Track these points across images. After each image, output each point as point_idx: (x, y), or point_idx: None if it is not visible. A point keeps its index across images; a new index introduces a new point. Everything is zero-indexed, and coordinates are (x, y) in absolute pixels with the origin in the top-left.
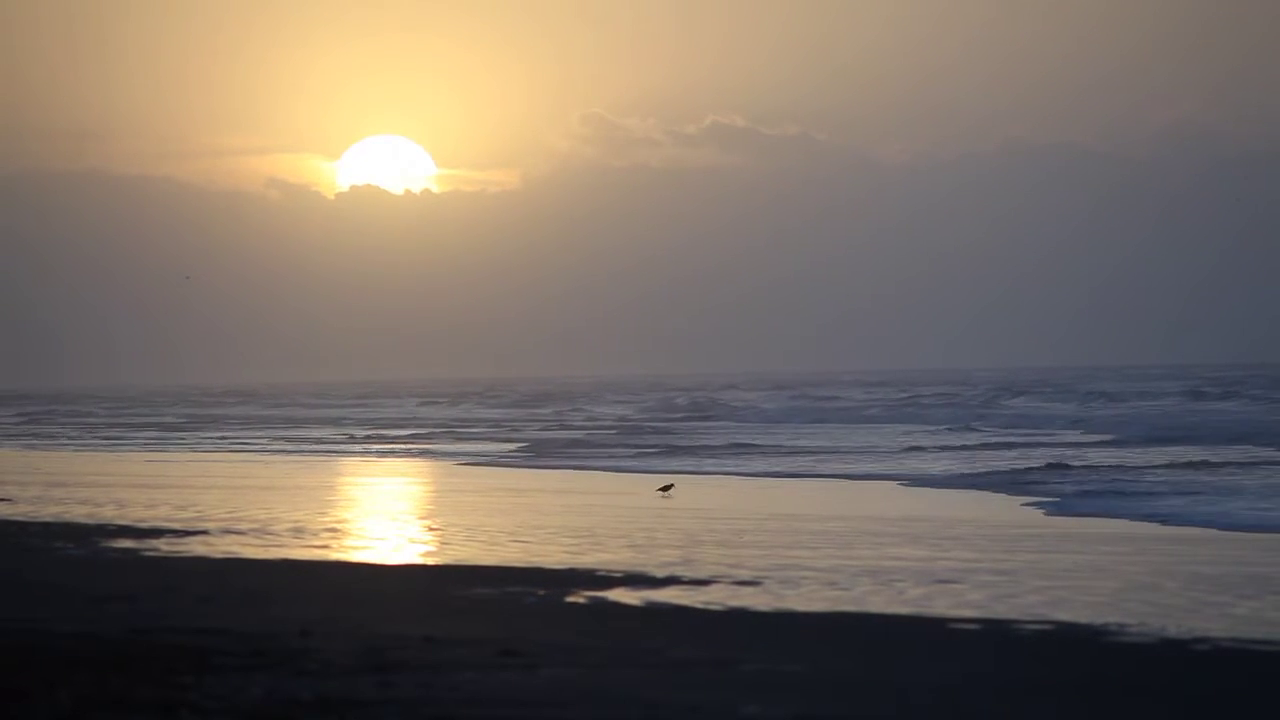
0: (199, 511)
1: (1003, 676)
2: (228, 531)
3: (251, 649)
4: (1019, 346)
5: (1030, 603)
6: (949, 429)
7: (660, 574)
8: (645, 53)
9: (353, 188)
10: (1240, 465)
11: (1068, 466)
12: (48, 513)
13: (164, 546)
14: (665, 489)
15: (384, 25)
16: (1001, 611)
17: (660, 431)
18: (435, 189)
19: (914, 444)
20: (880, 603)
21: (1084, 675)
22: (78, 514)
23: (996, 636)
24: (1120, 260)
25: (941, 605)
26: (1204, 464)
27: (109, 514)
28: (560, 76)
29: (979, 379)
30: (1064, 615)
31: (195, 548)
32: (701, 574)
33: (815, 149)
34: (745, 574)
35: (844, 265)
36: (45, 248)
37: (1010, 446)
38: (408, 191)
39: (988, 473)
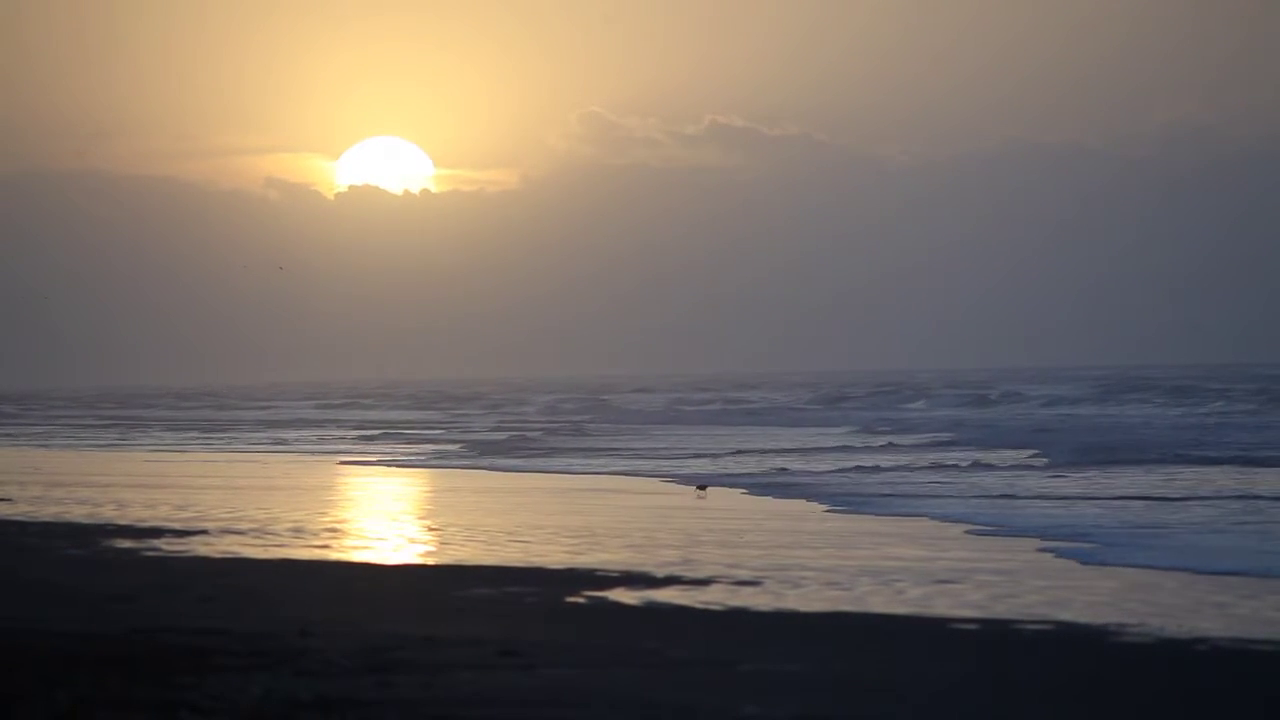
0: (199, 511)
1: (1003, 676)
2: (228, 531)
3: (251, 649)
4: (1016, 346)
5: (1030, 603)
6: (821, 431)
7: (660, 574)
8: (645, 52)
9: (352, 188)
10: (995, 469)
11: (857, 469)
12: (48, 513)
13: (164, 546)
14: (701, 490)
15: (383, 26)
16: (1001, 611)
17: (548, 432)
18: (434, 189)
19: (743, 447)
20: (880, 603)
21: (1084, 675)
22: (78, 514)
23: (996, 636)
24: (1119, 259)
25: (941, 605)
26: (985, 466)
27: (109, 514)
28: (559, 76)
29: (942, 380)
30: (1064, 615)
31: (195, 548)
32: (701, 574)
33: (816, 149)
34: (745, 574)
35: (844, 265)
36: (45, 247)
37: (845, 449)
38: (406, 192)
39: (761, 472)
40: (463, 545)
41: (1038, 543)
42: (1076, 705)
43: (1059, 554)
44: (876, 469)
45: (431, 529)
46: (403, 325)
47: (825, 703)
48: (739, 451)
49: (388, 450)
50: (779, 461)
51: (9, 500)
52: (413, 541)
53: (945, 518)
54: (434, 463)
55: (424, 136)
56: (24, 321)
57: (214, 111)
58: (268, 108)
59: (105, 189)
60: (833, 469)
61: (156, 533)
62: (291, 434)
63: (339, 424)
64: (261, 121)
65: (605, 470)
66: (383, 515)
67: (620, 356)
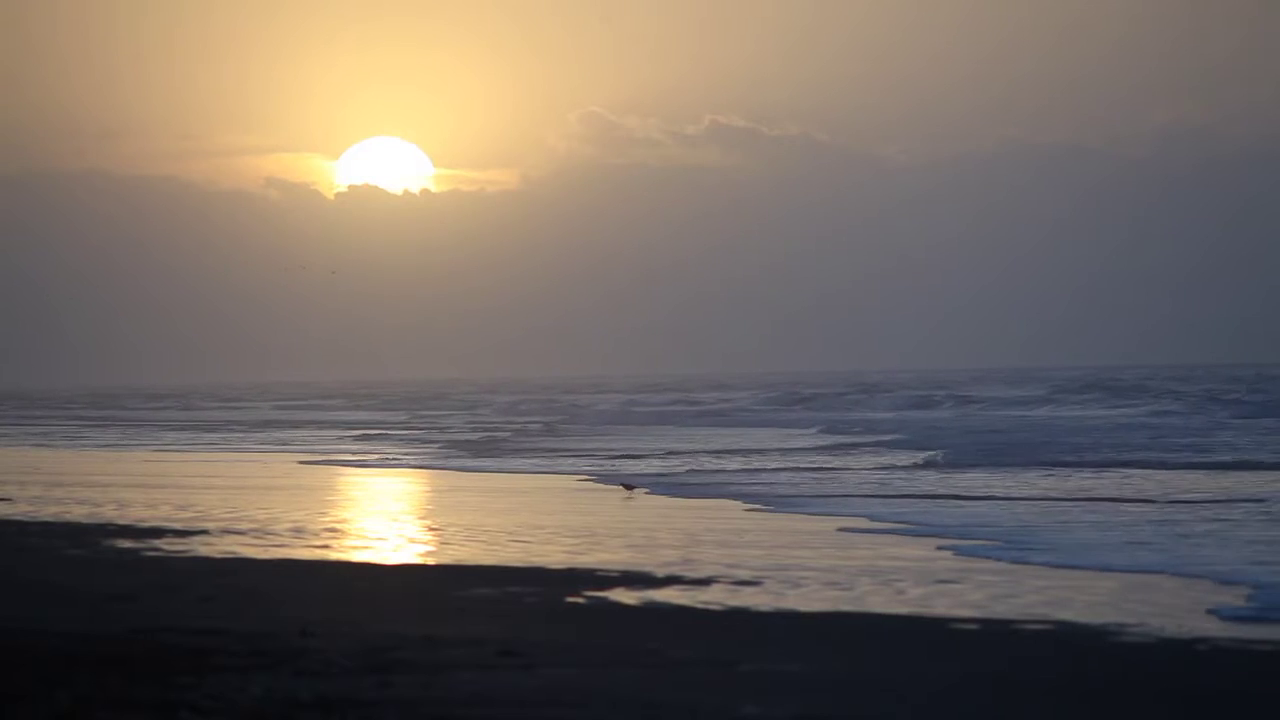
0: (199, 511)
1: (1003, 676)
2: (228, 531)
3: (251, 649)
4: (1013, 345)
5: (1030, 603)
6: (768, 432)
7: (660, 574)
8: (645, 52)
9: (351, 187)
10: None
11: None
12: (48, 513)
13: (164, 546)
14: (629, 490)
15: (383, 28)
16: (1001, 611)
17: (518, 433)
18: (434, 189)
19: (673, 449)
20: (880, 603)
21: (1084, 675)
22: (78, 514)
23: (996, 636)
24: (1117, 259)
25: (941, 605)
26: (893, 467)
27: (109, 514)
28: (558, 76)
29: (921, 380)
30: (1064, 615)
31: (195, 548)
32: (701, 574)
33: (816, 149)
34: (745, 574)
35: (843, 265)
36: (44, 247)
37: (771, 451)
38: (406, 191)
39: (680, 471)
40: (463, 545)
41: (938, 541)
42: (1076, 705)
43: (959, 552)
44: (795, 469)
45: (431, 529)
46: (403, 324)
47: (825, 703)
48: (670, 452)
49: (348, 451)
50: (708, 462)
51: (9, 500)
52: (412, 541)
53: (874, 516)
54: (391, 463)
55: (424, 137)
56: (25, 320)
57: (215, 111)
58: (268, 108)
59: (107, 188)
60: (755, 468)
61: (157, 533)
62: (244, 436)
63: (312, 425)
64: (262, 121)
65: (532, 470)
66: (382, 515)
67: (620, 356)
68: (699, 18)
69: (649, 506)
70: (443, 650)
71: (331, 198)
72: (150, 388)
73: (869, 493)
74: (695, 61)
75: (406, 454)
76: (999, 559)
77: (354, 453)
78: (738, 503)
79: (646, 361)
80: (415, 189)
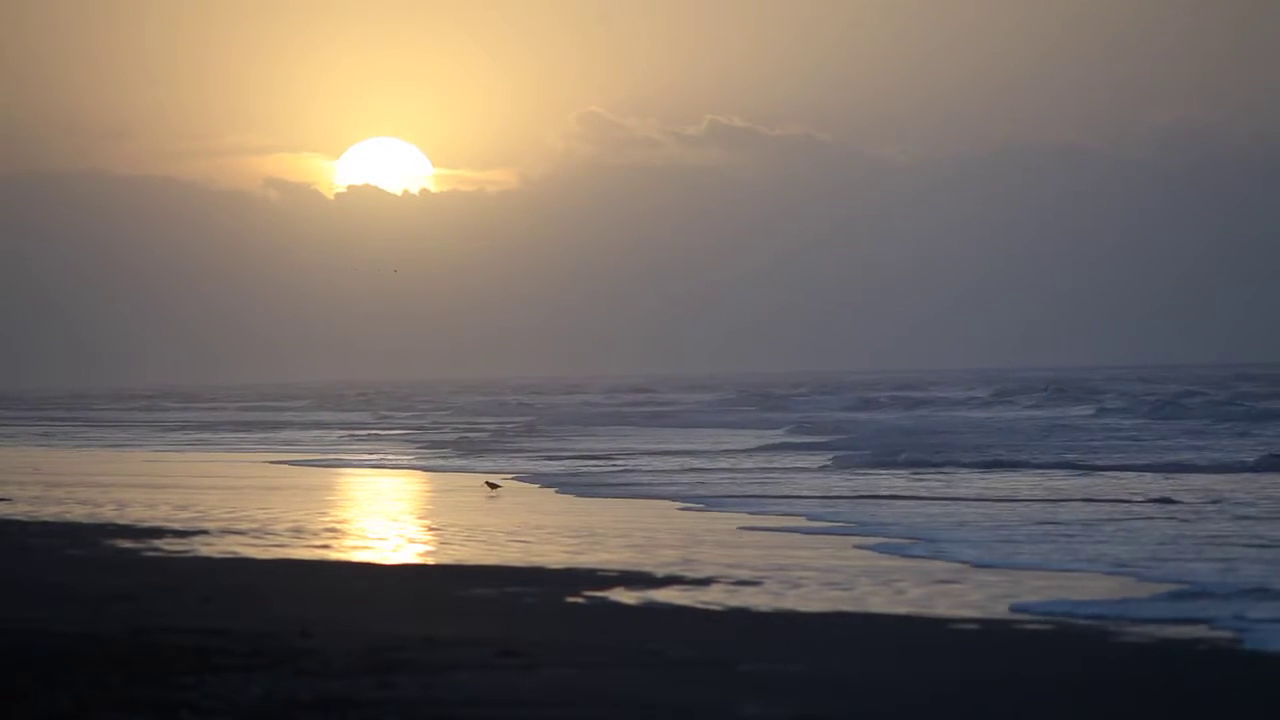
0: (199, 511)
1: (1003, 676)
2: (228, 531)
3: (251, 649)
4: (1008, 346)
5: (1030, 603)
6: (715, 432)
7: (660, 574)
8: (645, 52)
9: (351, 188)
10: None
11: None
12: (48, 513)
13: (164, 546)
14: (494, 487)
15: (383, 28)
16: (1001, 612)
17: (458, 431)
18: (433, 189)
19: (628, 448)
20: (880, 603)
21: (1084, 675)
22: (78, 514)
23: (996, 636)
24: (1117, 259)
25: (941, 605)
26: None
27: (109, 514)
28: (557, 76)
29: (890, 381)
30: (1064, 615)
31: (195, 548)
32: (701, 574)
33: (816, 149)
34: (745, 574)
35: (845, 265)
36: (43, 248)
37: (700, 453)
38: (406, 191)
39: (610, 471)
40: (463, 545)
41: (856, 539)
42: (1076, 705)
43: (884, 549)
44: (731, 469)
45: (431, 529)
46: (403, 324)
47: (825, 703)
48: (621, 452)
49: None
50: (649, 462)
51: (9, 500)
52: (412, 541)
53: (811, 515)
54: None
55: (423, 137)
56: (25, 320)
57: (214, 111)
58: (268, 108)
59: (107, 188)
60: (690, 469)
61: (157, 533)
62: (203, 437)
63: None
64: (261, 121)
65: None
66: (381, 515)
67: (619, 356)
68: (699, 18)
69: (560, 504)
70: (443, 650)
71: (331, 198)
72: (151, 388)
73: (788, 493)
74: (695, 61)
75: (389, 454)
76: (916, 556)
77: (349, 453)
78: (668, 501)
79: (645, 362)
80: (415, 189)
